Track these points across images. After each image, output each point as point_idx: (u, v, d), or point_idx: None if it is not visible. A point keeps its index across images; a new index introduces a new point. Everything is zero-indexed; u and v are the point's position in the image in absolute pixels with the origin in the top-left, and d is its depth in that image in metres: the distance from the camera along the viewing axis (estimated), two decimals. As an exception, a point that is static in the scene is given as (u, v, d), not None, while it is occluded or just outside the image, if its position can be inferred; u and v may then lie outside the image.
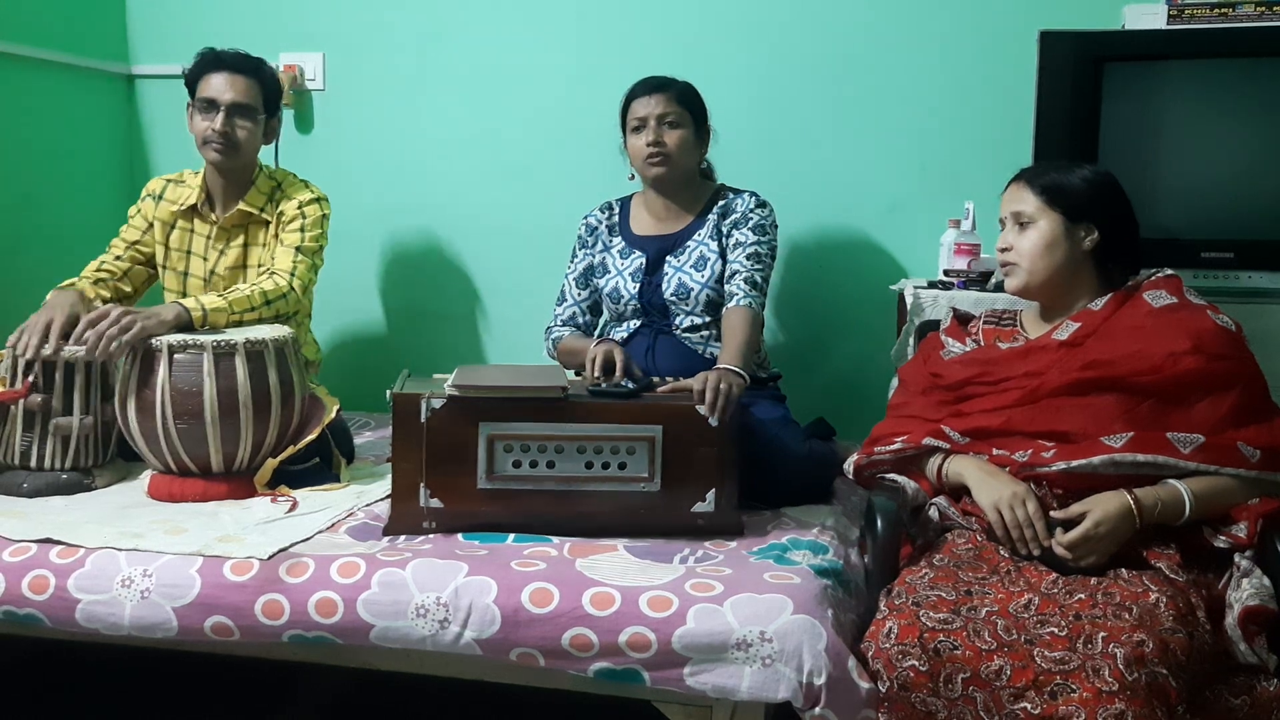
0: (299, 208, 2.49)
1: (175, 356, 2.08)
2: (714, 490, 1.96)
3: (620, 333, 2.47)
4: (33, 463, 2.17)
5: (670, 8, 2.85)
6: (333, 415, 2.24)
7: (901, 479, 1.94)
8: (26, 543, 1.86)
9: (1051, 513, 1.76)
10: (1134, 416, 1.78)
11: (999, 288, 2.16)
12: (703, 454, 1.95)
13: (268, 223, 2.51)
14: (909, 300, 2.38)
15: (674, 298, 2.39)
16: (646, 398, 2.01)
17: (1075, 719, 1.47)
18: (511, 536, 1.92)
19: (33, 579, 1.80)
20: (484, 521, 1.94)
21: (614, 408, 1.96)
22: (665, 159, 2.36)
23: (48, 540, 1.86)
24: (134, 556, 1.81)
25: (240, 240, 2.53)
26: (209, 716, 2.20)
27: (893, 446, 1.94)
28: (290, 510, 2.05)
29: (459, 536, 1.92)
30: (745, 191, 2.44)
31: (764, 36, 2.80)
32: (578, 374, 2.26)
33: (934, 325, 2.16)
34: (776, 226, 2.44)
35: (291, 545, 1.86)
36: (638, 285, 2.43)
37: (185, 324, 2.16)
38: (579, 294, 2.54)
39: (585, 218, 2.57)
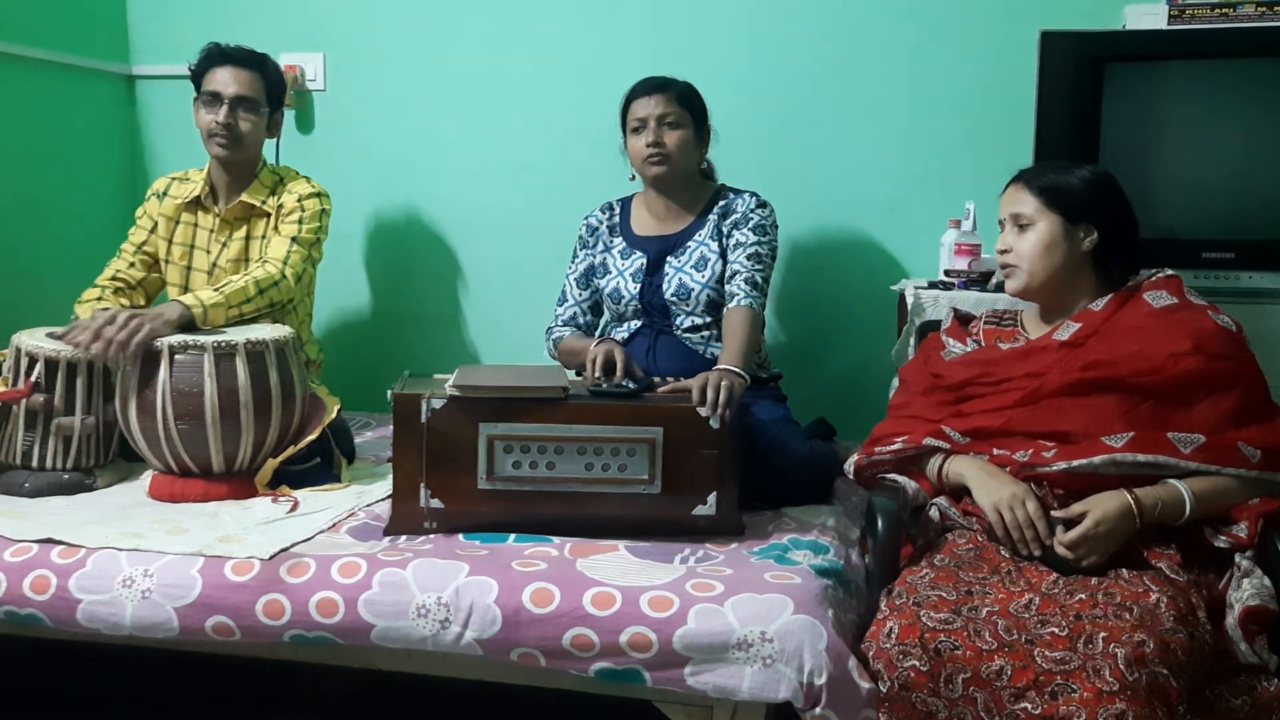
0: (299, 200, 2.50)
1: (176, 357, 2.08)
2: (715, 493, 1.96)
3: (621, 333, 2.47)
4: (34, 463, 2.17)
5: (670, 8, 2.85)
6: (333, 415, 2.24)
7: (902, 479, 1.94)
8: (28, 543, 1.86)
9: (1052, 512, 1.76)
10: (1135, 417, 1.78)
11: (1000, 288, 2.15)
12: (703, 457, 1.94)
13: (269, 215, 2.52)
14: (910, 300, 2.38)
15: (674, 298, 2.39)
16: (647, 399, 2.01)
17: (1076, 719, 1.47)
18: (512, 537, 1.92)
19: (34, 579, 1.80)
20: (485, 522, 1.94)
21: (615, 408, 1.96)
22: (665, 159, 2.36)
23: (49, 540, 1.87)
24: (135, 557, 1.82)
25: (243, 233, 2.54)
26: (209, 716, 2.20)
27: (893, 447, 1.94)
28: (291, 510, 2.05)
29: (460, 537, 1.92)
30: (746, 192, 2.44)
31: (764, 36, 2.80)
32: (578, 374, 2.26)
33: (935, 325, 2.16)
34: (777, 227, 2.44)
35: (292, 545, 1.86)
36: (638, 285, 2.43)
37: (187, 322, 2.16)
38: (580, 294, 2.54)
39: (586, 218, 2.57)
